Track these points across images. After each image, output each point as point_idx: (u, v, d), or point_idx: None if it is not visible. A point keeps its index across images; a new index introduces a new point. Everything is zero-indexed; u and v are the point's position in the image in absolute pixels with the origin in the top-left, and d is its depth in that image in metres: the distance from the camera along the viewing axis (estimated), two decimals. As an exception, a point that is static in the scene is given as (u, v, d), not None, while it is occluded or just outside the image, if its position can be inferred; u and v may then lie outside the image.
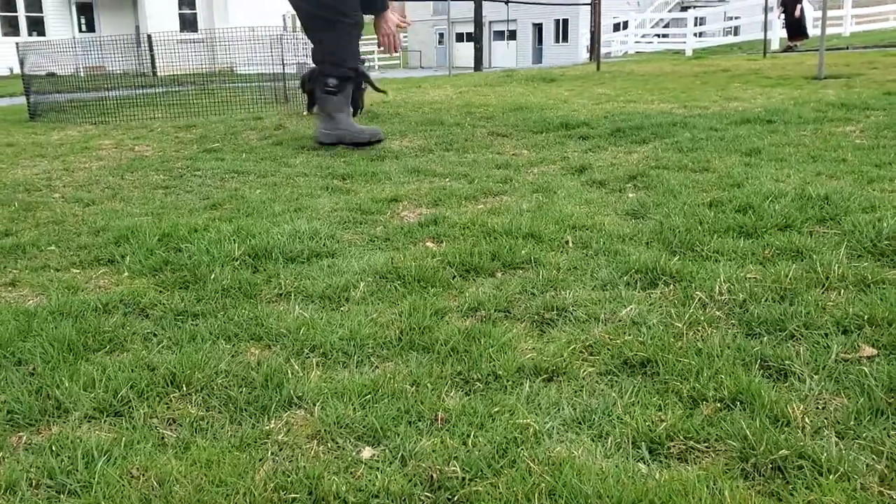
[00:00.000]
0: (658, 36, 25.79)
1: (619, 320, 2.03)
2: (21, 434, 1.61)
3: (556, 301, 2.16)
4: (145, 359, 1.92)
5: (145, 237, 2.94)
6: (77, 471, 1.45)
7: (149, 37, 14.63)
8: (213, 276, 2.48)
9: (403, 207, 3.43)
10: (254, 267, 2.60)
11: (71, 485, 1.42)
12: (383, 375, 1.78)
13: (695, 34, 22.12)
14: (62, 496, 1.39)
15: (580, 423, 1.56)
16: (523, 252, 2.58)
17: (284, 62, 10.14)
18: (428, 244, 2.82)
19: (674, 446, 1.46)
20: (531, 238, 2.76)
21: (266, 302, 2.30)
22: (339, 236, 2.96)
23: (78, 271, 2.69)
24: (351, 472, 1.42)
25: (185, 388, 1.77)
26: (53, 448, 1.53)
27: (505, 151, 4.90)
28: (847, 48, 15.06)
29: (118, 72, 11.27)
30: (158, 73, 12.67)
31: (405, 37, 32.90)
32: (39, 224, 3.41)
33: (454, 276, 2.43)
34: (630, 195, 3.43)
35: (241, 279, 2.45)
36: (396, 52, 5.23)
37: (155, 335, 2.09)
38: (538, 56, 33.58)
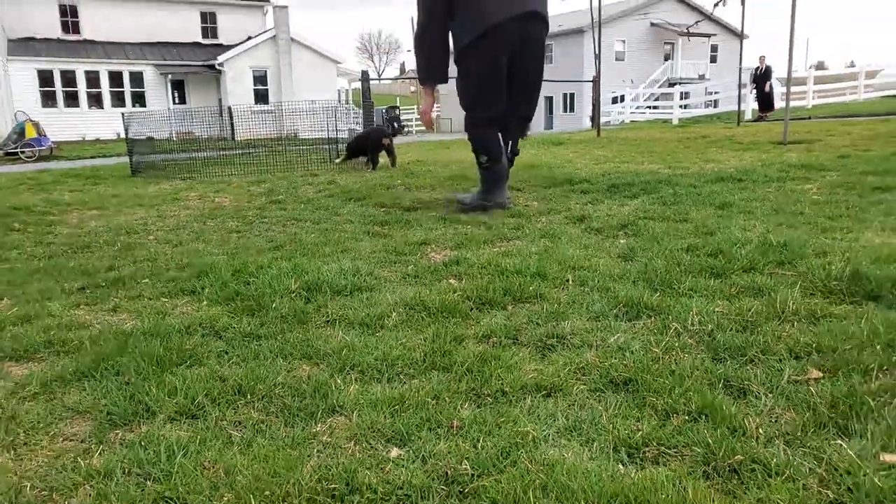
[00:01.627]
0: (650, 107, 25.79)
1: (608, 346, 2.02)
2: (117, 431, 1.63)
3: (556, 330, 2.14)
4: (218, 372, 1.94)
5: (221, 273, 2.98)
6: (160, 462, 1.46)
7: (229, 108, 15.05)
8: (273, 305, 2.50)
9: (431, 249, 3.40)
10: (307, 298, 2.62)
11: (155, 473, 1.44)
12: (410, 390, 1.78)
13: (680, 106, 22.09)
14: (148, 483, 1.41)
15: (571, 431, 1.55)
16: (531, 288, 2.55)
17: (337, 129, 10.35)
18: (450, 281, 2.81)
19: (648, 451, 1.45)
20: (538, 276, 2.72)
21: (316, 327, 2.30)
22: (377, 273, 2.96)
23: (166, 300, 2.73)
24: (381, 468, 1.42)
25: (249, 397, 1.79)
26: (142, 443, 1.55)
27: (518, 203, 4.90)
28: (809, 118, 14.94)
29: (204, 137, 11.58)
30: (236, 138, 12.98)
31: (438, 107, 33.28)
32: (137, 261, 3.47)
33: (471, 308, 2.41)
34: (621, 241, 3.40)
35: (296, 308, 2.46)
36: (432, 127, 5.27)
37: (226, 353, 2.11)
38: (549, 123, 33.72)
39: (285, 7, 24.51)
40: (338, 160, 8.13)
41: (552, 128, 31.07)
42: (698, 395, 1.67)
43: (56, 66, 22.82)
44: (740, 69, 15.05)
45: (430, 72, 4.44)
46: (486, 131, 4.44)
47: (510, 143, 4.73)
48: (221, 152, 10.28)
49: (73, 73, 23.08)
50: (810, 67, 33.28)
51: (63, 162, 13.20)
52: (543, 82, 4.63)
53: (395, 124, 27.25)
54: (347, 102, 27.04)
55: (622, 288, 2.54)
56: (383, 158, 8.18)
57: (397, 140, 20.57)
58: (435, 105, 5.07)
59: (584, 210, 4.37)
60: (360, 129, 11.45)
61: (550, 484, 1.34)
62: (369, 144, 7.99)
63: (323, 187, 6.37)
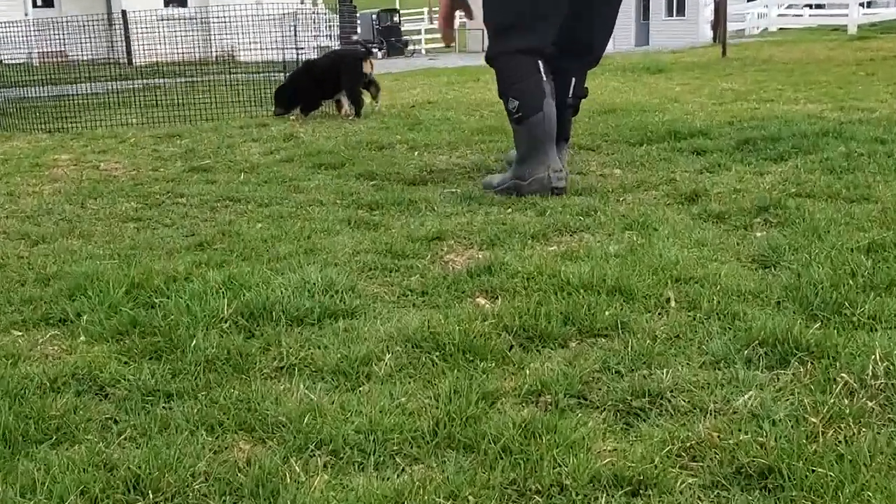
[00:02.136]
0: (810, 6, 25.49)
1: (734, 412, 2.00)
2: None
3: (648, 383, 2.14)
4: (102, 454, 1.93)
5: (109, 288, 2.98)
6: None
7: (123, 14, 15.02)
8: (193, 342, 2.50)
9: (448, 249, 3.44)
10: (248, 330, 2.62)
11: None
12: (411, 483, 1.77)
13: (861, 3, 21.83)
14: None
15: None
16: (607, 314, 2.57)
17: (299, 48, 10.36)
18: (479, 301, 2.82)
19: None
20: (619, 294, 2.75)
21: (262, 378, 2.31)
22: (362, 289, 2.98)
23: (20, 333, 2.72)
24: None
25: (151, 496, 1.78)
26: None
27: (589, 171, 4.90)
28: None
29: (83, 60, 11.51)
30: (135, 63, 12.99)
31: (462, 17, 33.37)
32: (-29, 269, 3.47)
33: (511, 347, 2.42)
34: (758, 234, 3.42)
35: (230, 347, 2.46)
36: (452, 43, 5.21)
37: (116, 422, 2.10)
38: (643, 35, 33.32)
39: None
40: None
41: (647, 43, 30.74)
42: (884, 498, 1.62)
43: None
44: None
45: None
46: (516, 61, 4.48)
47: (570, 82, 4.75)
48: (111, 86, 10.31)
49: None
50: None
51: None
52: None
53: (391, 41, 27.45)
54: (316, 5, 27.13)
55: (758, 314, 2.52)
56: (366, 98, 8.25)
57: (397, 64, 20.61)
58: (458, 12, 5.01)
59: (696, 182, 4.37)
60: (335, 46, 11.38)
61: None
62: (342, 76, 7.99)
63: (277, 146, 6.41)
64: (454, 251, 3.41)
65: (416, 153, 5.81)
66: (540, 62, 4.44)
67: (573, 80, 4.81)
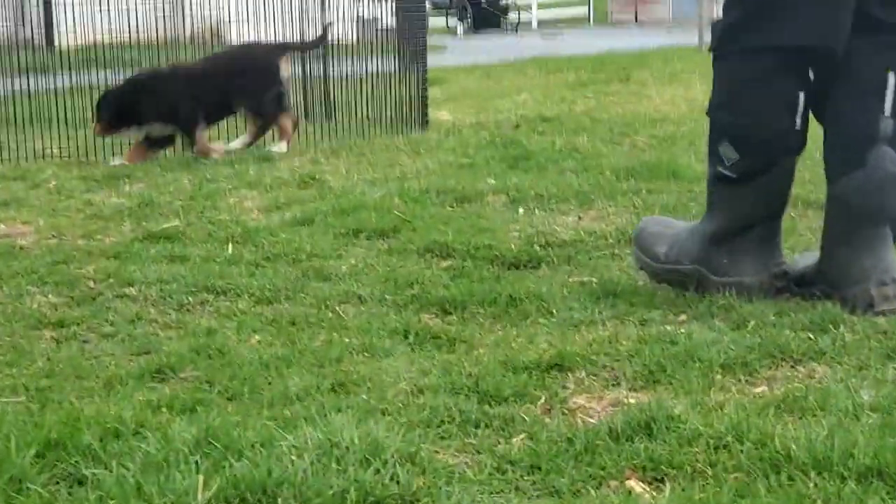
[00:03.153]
0: None
1: None
2: None
3: None
4: None
5: (9, 450, 2.84)
6: None
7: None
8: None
9: (577, 387, 3.36)
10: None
11: None
12: None
13: None
14: None
15: None
16: None
17: (327, 22, 10.19)
18: (631, 484, 2.69)
19: None
20: (877, 480, 2.57)
21: None
22: (428, 459, 2.82)
23: None
24: None
25: None
26: None
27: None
28: None
29: None
30: (58, 44, 12.76)
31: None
32: None
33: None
34: None
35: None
36: None
37: None
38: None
39: None
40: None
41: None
42: None
43: None
44: None
45: None
46: (755, 67, 4.27)
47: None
48: (18, 83, 10.01)
49: None
50: None
51: None
52: None
53: (480, 6, 27.15)
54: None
55: None
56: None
57: (488, 47, 20.15)
58: None
59: None
60: (387, 22, 11.35)
61: None
62: (248, 89, 8.25)
63: (287, 195, 6.40)
64: (586, 391, 3.32)
65: (520, 210, 5.79)
66: (800, 74, 4.30)
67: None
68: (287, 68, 8.26)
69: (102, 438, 2.91)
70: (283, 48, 8.52)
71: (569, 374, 3.42)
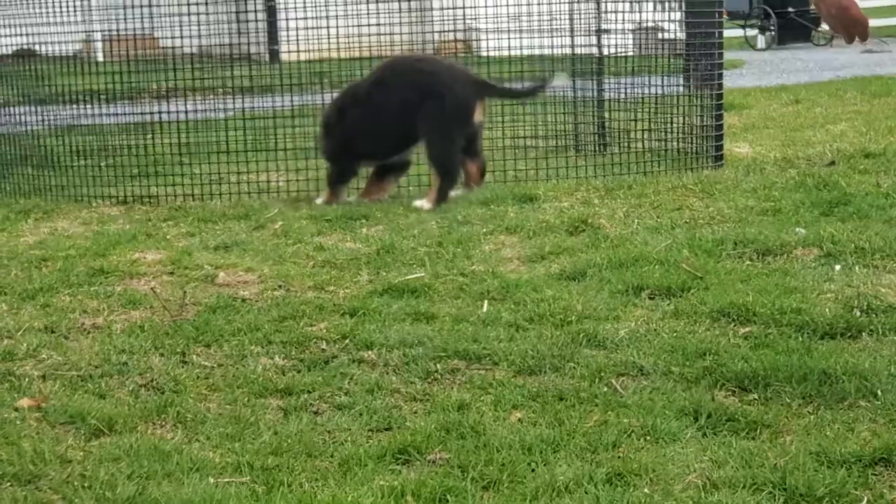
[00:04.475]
0: None
1: None
2: None
3: None
4: None
5: None
6: None
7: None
8: None
9: None
10: None
11: None
12: None
13: None
14: None
15: None
16: None
17: (603, 28, 9.86)
18: None
19: None
20: None
21: None
22: None
23: None
24: None
25: None
26: None
27: None
28: None
29: (188, 52, 10.77)
30: (283, 59, 12.17)
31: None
32: None
33: None
34: None
35: None
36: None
37: None
38: None
39: None
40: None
41: None
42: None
43: None
44: None
45: None
46: None
47: None
48: (236, 103, 9.54)
49: None
50: None
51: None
52: None
53: (786, 16, 25.84)
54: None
55: None
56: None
57: (795, 65, 19.28)
58: None
59: None
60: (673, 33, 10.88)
61: None
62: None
63: (554, 242, 6.22)
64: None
65: (836, 267, 5.53)
66: None
67: None
68: (482, 113, 7.77)
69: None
70: (482, 88, 7.93)
71: (897, 472, 3.29)
